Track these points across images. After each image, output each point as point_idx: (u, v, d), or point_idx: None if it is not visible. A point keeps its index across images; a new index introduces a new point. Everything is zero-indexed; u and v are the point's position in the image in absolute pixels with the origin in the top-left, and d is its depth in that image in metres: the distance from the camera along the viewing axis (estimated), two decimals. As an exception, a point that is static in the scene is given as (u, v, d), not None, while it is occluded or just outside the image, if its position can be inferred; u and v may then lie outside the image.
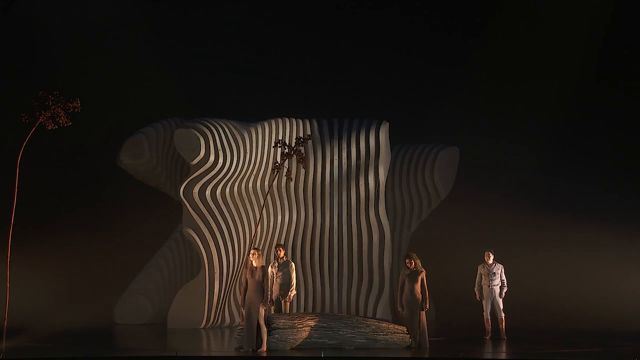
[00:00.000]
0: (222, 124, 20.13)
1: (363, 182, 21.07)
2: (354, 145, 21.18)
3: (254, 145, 20.57)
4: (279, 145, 18.12)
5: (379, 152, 21.10)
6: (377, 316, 19.70)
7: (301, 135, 20.84)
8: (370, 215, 20.97)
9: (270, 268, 16.86)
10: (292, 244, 21.29)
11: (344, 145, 21.27)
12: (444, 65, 24.77)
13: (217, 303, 19.79)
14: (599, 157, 23.48)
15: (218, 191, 20.10)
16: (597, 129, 23.73)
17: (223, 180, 20.14)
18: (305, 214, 21.36)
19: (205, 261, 19.73)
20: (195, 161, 19.70)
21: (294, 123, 21.43)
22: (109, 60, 24.03)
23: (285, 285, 16.79)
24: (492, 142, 24.12)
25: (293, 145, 18.06)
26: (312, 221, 21.32)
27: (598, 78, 23.45)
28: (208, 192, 19.93)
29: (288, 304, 16.86)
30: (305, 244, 21.28)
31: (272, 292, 16.72)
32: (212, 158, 19.68)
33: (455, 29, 25.51)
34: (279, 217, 21.20)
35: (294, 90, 24.58)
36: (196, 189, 19.79)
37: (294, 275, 16.87)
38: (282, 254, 16.97)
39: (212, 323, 19.92)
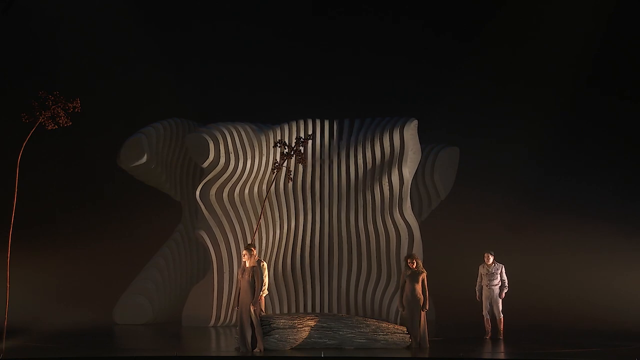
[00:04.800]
0: (237, 127, 20.44)
1: (387, 181, 20.86)
2: (378, 144, 20.99)
3: (271, 147, 20.67)
4: (278, 145, 18.14)
5: (404, 150, 20.97)
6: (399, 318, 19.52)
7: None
8: (394, 216, 20.67)
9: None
10: (319, 246, 21.08)
11: (368, 145, 21.10)
12: (444, 65, 24.75)
13: (228, 302, 20.12)
14: (599, 157, 23.48)
15: (236, 193, 20.44)
16: (597, 129, 23.73)
17: (239, 183, 20.44)
18: (330, 215, 21.15)
19: (215, 262, 20.06)
20: (206, 164, 20.13)
21: (318, 124, 21.31)
22: (109, 60, 24.02)
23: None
24: (492, 142, 24.11)
25: (293, 145, 18.02)
26: (336, 222, 21.07)
27: (598, 77, 23.44)
28: (225, 194, 20.31)
29: (262, 303, 16.67)
30: (333, 245, 21.07)
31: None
32: (222, 161, 20.02)
33: (455, 29, 25.48)
34: (302, 219, 21.05)
35: (292, 92, 24.53)
36: (213, 191, 20.17)
37: (266, 274, 16.66)
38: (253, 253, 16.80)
39: (222, 321, 20.28)
